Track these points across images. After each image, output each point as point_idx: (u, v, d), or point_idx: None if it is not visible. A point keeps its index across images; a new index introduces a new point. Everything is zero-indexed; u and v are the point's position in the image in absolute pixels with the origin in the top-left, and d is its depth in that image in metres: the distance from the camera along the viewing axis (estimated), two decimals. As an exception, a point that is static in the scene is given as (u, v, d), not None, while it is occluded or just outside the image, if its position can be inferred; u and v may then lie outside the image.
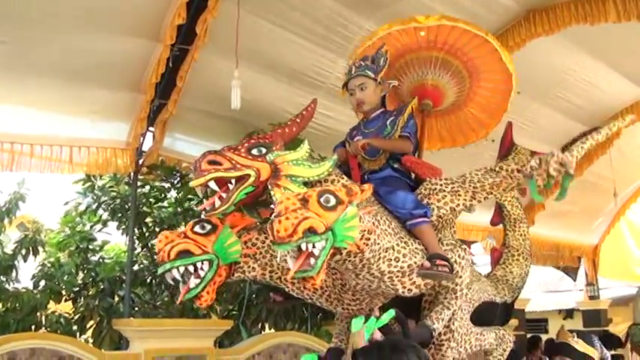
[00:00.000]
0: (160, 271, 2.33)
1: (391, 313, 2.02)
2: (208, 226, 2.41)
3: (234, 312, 6.06)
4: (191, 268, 2.30)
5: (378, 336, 1.90)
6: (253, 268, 2.54)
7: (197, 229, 2.40)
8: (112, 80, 4.62)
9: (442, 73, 3.30)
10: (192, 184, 2.31)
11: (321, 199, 2.16)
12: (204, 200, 2.39)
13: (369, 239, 2.30)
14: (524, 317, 8.65)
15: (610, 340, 4.62)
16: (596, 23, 4.69)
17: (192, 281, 2.30)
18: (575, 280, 11.01)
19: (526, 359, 4.68)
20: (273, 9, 4.51)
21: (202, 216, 2.44)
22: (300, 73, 5.09)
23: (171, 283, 2.35)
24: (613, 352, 4.42)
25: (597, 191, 8.00)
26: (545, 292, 12.39)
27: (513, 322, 7.66)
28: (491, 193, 2.80)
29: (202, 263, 2.32)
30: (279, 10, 4.53)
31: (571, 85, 6.18)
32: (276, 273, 2.59)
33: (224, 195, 2.29)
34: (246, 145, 2.44)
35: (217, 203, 2.29)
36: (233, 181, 2.30)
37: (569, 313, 12.03)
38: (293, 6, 4.53)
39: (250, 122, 5.02)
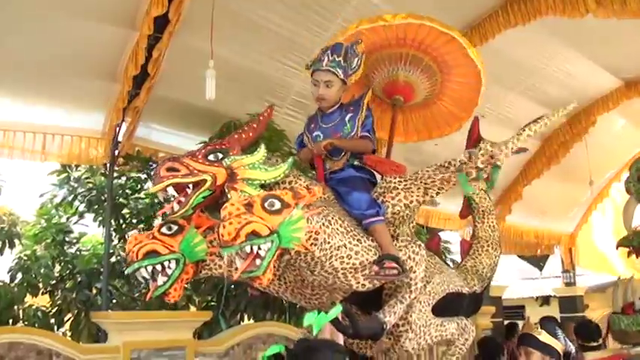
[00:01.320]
0: (128, 270, 2.45)
1: (338, 308, 2.15)
2: (175, 227, 2.52)
3: (212, 303, 6.05)
4: (159, 267, 2.41)
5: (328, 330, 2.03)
6: (219, 265, 2.63)
7: (164, 230, 2.52)
8: (87, 69, 4.57)
9: (413, 69, 3.39)
10: (151, 190, 2.48)
11: (265, 204, 2.28)
12: (165, 204, 2.53)
13: (317, 239, 2.42)
14: (502, 304, 8.76)
15: (588, 330, 4.62)
16: (574, 17, 4.70)
17: (160, 279, 2.42)
18: (541, 271, 11.19)
19: (503, 345, 4.73)
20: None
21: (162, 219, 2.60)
22: (278, 62, 5.06)
23: (142, 281, 2.44)
24: (594, 343, 4.41)
25: (573, 179, 8.11)
26: (522, 279, 12.54)
27: (491, 309, 7.79)
28: (442, 188, 2.89)
29: (169, 262, 2.43)
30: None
31: (547, 75, 6.23)
32: None
33: (182, 199, 2.43)
34: (203, 151, 2.57)
35: (176, 207, 2.43)
36: (191, 186, 2.44)
37: (545, 300, 12.20)
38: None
39: (227, 113, 4.99)
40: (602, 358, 4.19)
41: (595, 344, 4.38)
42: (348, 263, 2.57)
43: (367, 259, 2.63)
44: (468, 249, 3.61)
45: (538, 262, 11.65)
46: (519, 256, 10.91)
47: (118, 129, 5.00)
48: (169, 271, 2.43)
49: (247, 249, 2.16)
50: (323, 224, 2.47)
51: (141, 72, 4.45)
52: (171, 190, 2.42)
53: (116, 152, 5.10)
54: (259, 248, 2.19)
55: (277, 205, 2.29)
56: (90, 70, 4.61)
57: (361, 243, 2.65)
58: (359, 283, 2.65)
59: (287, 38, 4.87)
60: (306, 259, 2.48)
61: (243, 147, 2.71)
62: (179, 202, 2.43)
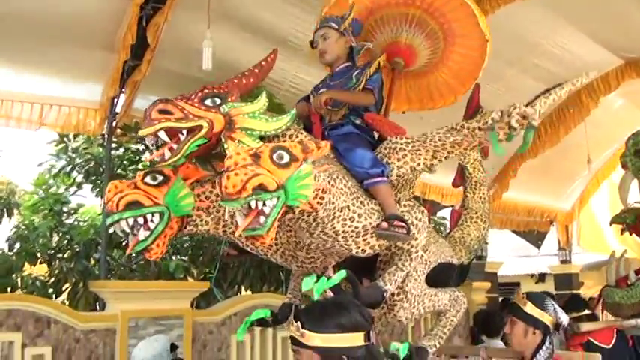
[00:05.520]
0: (107, 222, 2.24)
1: (342, 273, 2.00)
2: (160, 178, 2.29)
3: (210, 275, 6.10)
4: (140, 220, 2.18)
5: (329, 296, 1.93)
6: (206, 222, 2.45)
7: (148, 179, 2.28)
8: (85, 39, 4.54)
9: (417, 33, 3.22)
10: (141, 133, 2.21)
11: (274, 156, 2.08)
12: (154, 151, 2.28)
13: (323, 198, 2.25)
14: (497, 280, 8.83)
15: (576, 302, 4.73)
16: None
17: (142, 233, 2.19)
18: (539, 248, 11.22)
19: (500, 320, 4.79)
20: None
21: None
22: (278, 35, 5.03)
23: (121, 235, 2.29)
24: (583, 312, 4.52)
25: (571, 158, 8.11)
26: (518, 256, 12.62)
27: (486, 284, 7.86)
28: (452, 152, 2.74)
29: (153, 215, 2.20)
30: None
31: (547, 52, 6.19)
32: (230, 228, 2.49)
33: (175, 146, 2.19)
34: (199, 94, 2.32)
35: (167, 155, 2.19)
36: (184, 132, 2.20)
37: (541, 277, 12.29)
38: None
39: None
40: (597, 329, 4.25)
41: (588, 312, 4.46)
42: (350, 226, 2.43)
43: (370, 223, 2.50)
44: (458, 219, 3.58)
45: (536, 240, 11.69)
46: (517, 234, 10.96)
47: (115, 100, 4.99)
48: (152, 225, 2.20)
49: (252, 204, 1.98)
50: (329, 183, 2.30)
51: (140, 43, 4.43)
52: (162, 136, 2.16)
53: (114, 123, 5.10)
54: (264, 204, 2.00)
55: (286, 158, 2.10)
56: (88, 40, 4.58)
57: (364, 205, 2.51)
58: (359, 247, 2.52)
59: (286, 15, 4.83)
60: (308, 220, 2.31)
61: (242, 94, 2.48)
62: (170, 150, 2.18)
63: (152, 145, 2.28)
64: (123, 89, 4.90)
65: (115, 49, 4.58)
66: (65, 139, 5.88)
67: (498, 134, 2.60)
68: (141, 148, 5.77)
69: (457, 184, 3.68)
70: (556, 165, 8.26)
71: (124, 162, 5.84)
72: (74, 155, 5.82)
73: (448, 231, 3.61)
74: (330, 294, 1.93)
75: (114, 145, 5.49)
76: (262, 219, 2.01)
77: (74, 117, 4.94)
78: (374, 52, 3.30)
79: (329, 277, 2.02)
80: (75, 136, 5.91)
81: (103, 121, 5.04)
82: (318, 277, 1.94)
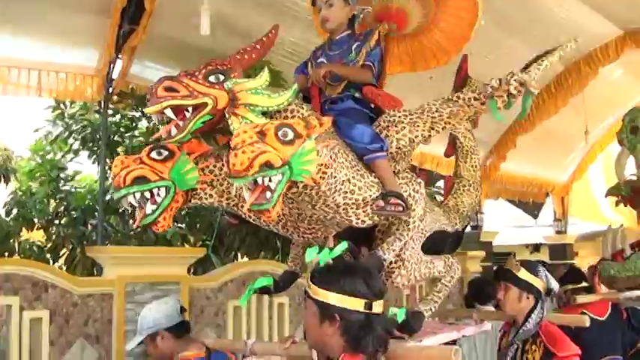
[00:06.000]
0: (115, 196, 2.32)
1: (344, 245, 2.08)
2: (165, 153, 2.37)
3: (207, 242, 6.14)
4: (147, 194, 2.28)
5: None
6: (210, 195, 2.54)
7: (154, 155, 2.34)
8: (81, 3, 4.49)
9: None
10: (147, 110, 2.25)
11: (279, 133, 2.14)
12: (160, 127, 2.35)
13: (325, 173, 2.32)
14: (492, 250, 8.92)
15: (575, 274, 4.78)
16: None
17: (149, 207, 2.29)
18: (536, 219, 11.29)
19: (493, 289, 4.85)
20: None
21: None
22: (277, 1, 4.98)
23: (128, 209, 2.36)
24: (580, 285, 4.58)
25: (569, 129, 8.12)
26: (514, 227, 12.72)
27: (480, 253, 7.93)
28: (449, 122, 2.79)
29: (159, 189, 2.29)
30: None
31: (548, 23, 6.13)
32: (233, 200, 2.58)
33: (180, 123, 2.24)
34: (203, 71, 2.36)
35: (173, 131, 2.25)
36: (190, 109, 2.25)
37: (536, 248, 12.40)
38: None
39: (223, 51, 4.92)
40: (593, 302, 4.31)
41: (586, 285, 4.52)
42: (350, 199, 2.50)
43: (370, 196, 2.56)
44: (451, 188, 3.62)
45: (533, 210, 11.78)
46: (513, 204, 11.03)
47: (112, 66, 4.96)
48: (159, 199, 2.29)
49: (259, 180, 2.05)
50: (330, 157, 2.36)
51: (137, 8, 4.39)
52: (168, 113, 2.22)
53: (110, 90, 5.07)
54: (270, 180, 2.07)
55: (290, 135, 2.16)
56: (85, 5, 4.54)
57: (364, 179, 2.57)
58: (359, 219, 2.59)
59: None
60: (311, 194, 2.37)
61: (245, 69, 2.51)
62: (176, 126, 2.24)
63: (158, 122, 2.34)
64: (119, 55, 4.86)
65: (111, 15, 4.54)
66: (62, 105, 5.85)
67: (497, 102, 2.62)
68: (137, 115, 5.74)
69: (449, 154, 3.72)
70: (554, 136, 8.27)
71: (121, 129, 5.83)
72: (71, 122, 5.80)
73: (442, 199, 3.65)
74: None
75: (110, 112, 5.47)
76: (268, 194, 2.08)
77: (71, 83, 4.91)
78: (367, 18, 3.28)
79: (331, 249, 2.09)
80: (71, 103, 5.88)
81: (99, 87, 5.01)
82: (321, 249, 2.03)
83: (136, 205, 2.29)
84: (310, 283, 1.93)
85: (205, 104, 2.27)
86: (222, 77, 2.36)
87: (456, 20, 3.32)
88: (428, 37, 3.37)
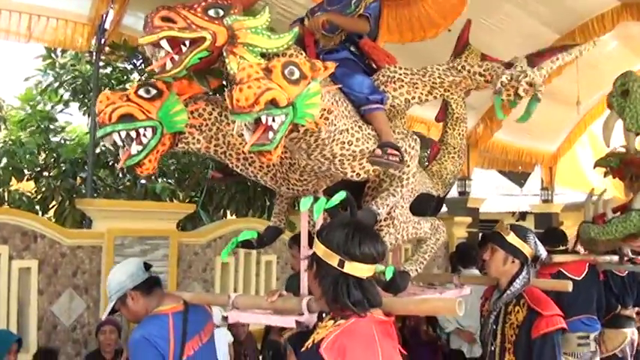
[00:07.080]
0: (99, 134, 2.20)
1: (342, 194, 2.04)
2: (154, 91, 2.25)
3: (196, 198, 6.16)
4: (133, 134, 2.16)
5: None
6: (198, 140, 2.45)
7: (141, 92, 2.23)
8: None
9: None
10: (141, 40, 2.12)
11: (286, 71, 2.04)
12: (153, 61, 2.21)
13: (327, 119, 2.24)
14: (478, 216, 9.00)
15: (554, 235, 4.85)
16: None
17: (134, 147, 2.16)
18: (522, 188, 11.34)
19: (477, 254, 4.92)
20: None
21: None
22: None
23: (111, 147, 2.21)
24: (562, 247, 4.64)
25: (561, 99, 8.11)
26: (501, 195, 12.81)
27: (467, 219, 8.01)
28: (449, 91, 2.77)
29: (145, 129, 2.18)
30: None
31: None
32: (221, 147, 2.51)
33: (176, 57, 2.12)
34: (202, 4, 2.23)
35: (168, 65, 2.12)
36: (187, 42, 2.14)
37: (522, 216, 12.51)
38: None
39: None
40: (570, 261, 4.38)
41: (562, 247, 4.60)
42: (347, 150, 2.43)
43: (367, 148, 2.50)
44: (436, 153, 3.63)
45: (519, 179, 11.84)
46: (500, 172, 11.09)
47: (104, 16, 4.86)
48: (145, 140, 2.17)
49: (263, 119, 1.95)
50: (332, 104, 2.29)
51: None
52: (164, 45, 2.10)
53: (102, 40, 4.99)
54: (273, 120, 1.96)
55: (297, 74, 2.07)
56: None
57: (362, 130, 2.50)
58: (354, 171, 2.52)
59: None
60: (309, 140, 2.28)
61: (245, 8, 2.39)
62: (172, 60, 2.10)
63: (151, 55, 2.20)
64: (112, 4, 4.76)
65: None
66: (53, 54, 5.77)
67: (502, 95, 2.56)
68: (129, 67, 5.68)
69: (440, 119, 3.71)
70: (545, 106, 8.24)
71: (112, 81, 5.77)
72: (61, 71, 5.73)
73: (427, 164, 3.66)
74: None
75: (102, 63, 5.39)
76: (271, 134, 1.99)
77: (62, 31, 4.78)
78: None
79: (328, 198, 2.07)
80: (62, 52, 5.79)
81: (91, 36, 4.90)
82: (316, 199, 1.99)
83: (121, 144, 2.18)
84: (315, 234, 1.96)
85: (203, 39, 2.15)
86: (221, 12, 2.24)
87: None
88: (419, 8, 3.33)
